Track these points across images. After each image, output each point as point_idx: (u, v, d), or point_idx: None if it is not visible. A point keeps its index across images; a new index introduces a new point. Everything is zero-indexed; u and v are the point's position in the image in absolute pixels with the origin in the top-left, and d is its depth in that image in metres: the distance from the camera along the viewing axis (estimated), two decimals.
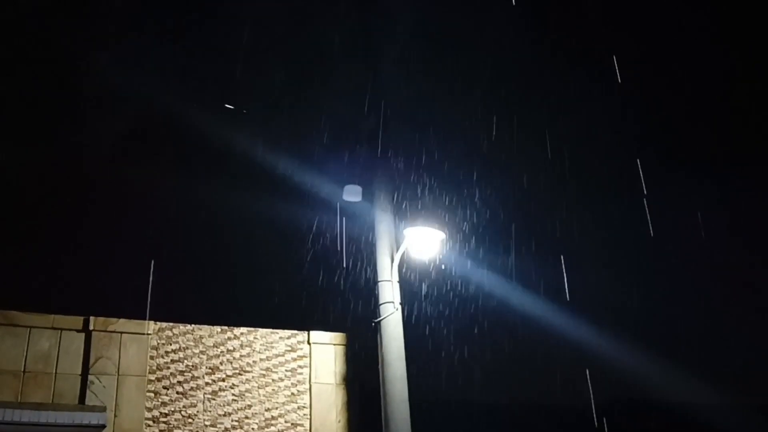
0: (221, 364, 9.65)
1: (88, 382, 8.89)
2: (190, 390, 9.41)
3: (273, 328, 10.07)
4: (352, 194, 9.43)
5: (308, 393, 9.84)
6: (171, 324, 9.61)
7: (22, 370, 8.73)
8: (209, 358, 9.63)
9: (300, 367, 9.96)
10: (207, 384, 9.51)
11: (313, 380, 9.90)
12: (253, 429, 9.49)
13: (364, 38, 9.37)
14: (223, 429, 9.39)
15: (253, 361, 9.80)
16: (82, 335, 9.10)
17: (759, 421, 12.88)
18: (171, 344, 9.52)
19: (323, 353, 10.07)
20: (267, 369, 9.83)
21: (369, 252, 8.81)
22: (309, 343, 10.08)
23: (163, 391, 9.29)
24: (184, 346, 9.57)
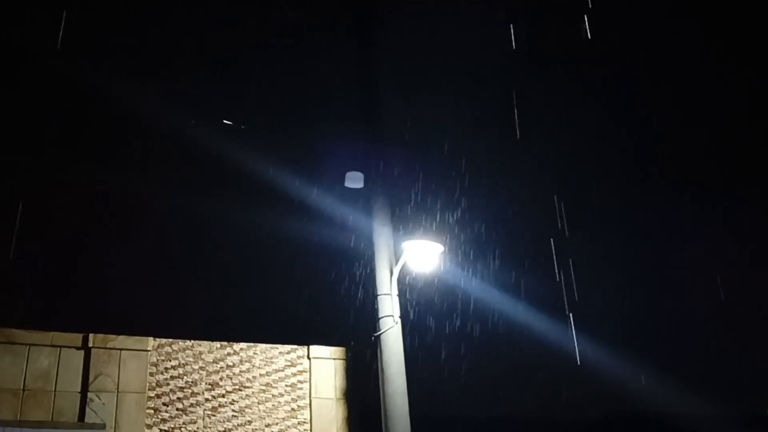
0: (221, 379, 9.63)
1: (88, 400, 8.85)
2: (189, 406, 9.39)
3: (272, 343, 10.06)
4: (353, 181, 9.46)
5: (308, 408, 9.82)
6: (170, 340, 9.60)
7: (22, 388, 8.70)
8: (209, 374, 9.61)
9: (300, 382, 9.95)
10: (207, 400, 9.49)
11: (313, 395, 9.89)
12: None
13: (362, 51, 9.44)
14: None
15: (253, 377, 9.79)
16: (82, 352, 9.07)
17: None
18: (170, 360, 9.50)
19: (323, 368, 10.07)
20: (267, 384, 9.81)
21: (368, 265, 8.84)
22: (309, 357, 10.08)
23: (163, 408, 9.26)
24: (183, 362, 9.55)
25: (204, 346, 9.73)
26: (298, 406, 9.83)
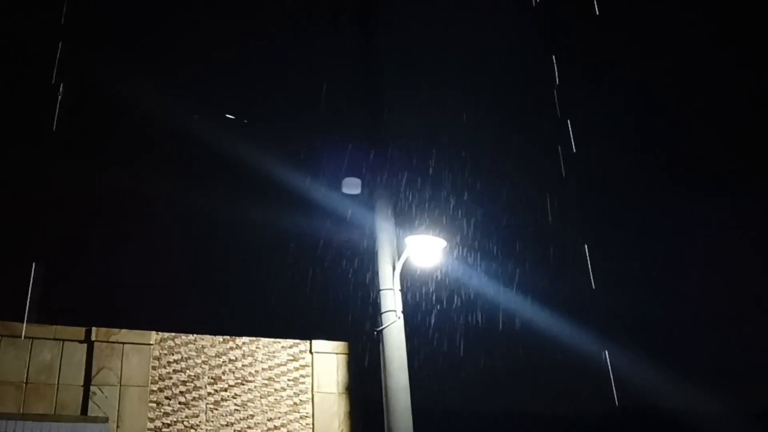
0: (223, 374, 9.64)
1: (91, 393, 8.87)
2: (192, 400, 9.40)
3: (275, 337, 10.07)
4: (350, 187, 9.46)
5: (311, 402, 9.83)
6: (173, 334, 9.61)
7: (24, 381, 8.72)
8: (211, 368, 9.62)
9: (302, 376, 9.96)
10: (209, 394, 9.50)
11: (315, 389, 9.89)
12: None
13: (364, 45, 9.42)
14: None
15: (256, 371, 9.80)
16: (84, 346, 9.10)
17: (758, 429, 12.88)
18: (173, 354, 9.51)
19: (325, 362, 10.07)
20: (269, 379, 9.82)
21: (371, 260, 8.83)
22: (311, 352, 10.08)
23: (166, 402, 9.28)
24: (186, 356, 9.56)
25: (207, 340, 9.73)
26: (301, 400, 9.84)
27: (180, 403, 9.33)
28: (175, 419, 9.24)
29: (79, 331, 9.14)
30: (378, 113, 9.16)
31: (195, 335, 9.71)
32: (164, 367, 9.39)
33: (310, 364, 10.02)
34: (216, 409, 9.45)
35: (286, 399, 9.79)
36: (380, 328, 8.33)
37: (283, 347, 10.04)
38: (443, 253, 8.58)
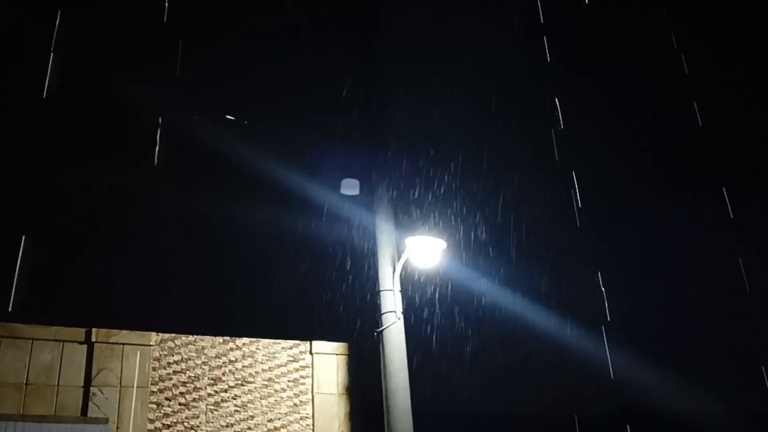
0: (223, 374, 9.65)
1: (91, 394, 8.87)
2: (192, 401, 9.40)
3: (275, 338, 10.07)
4: (349, 188, 9.46)
5: (311, 403, 9.83)
6: (173, 335, 9.61)
7: (24, 382, 8.73)
8: (211, 369, 9.62)
9: (302, 377, 9.96)
10: (209, 395, 9.50)
11: (315, 390, 9.89)
12: None
13: (364, 46, 9.42)
14: None
15: (256, 372, 9.80)
16: (84, 347, 9.10)
17: (758, 429, 12.89)
18: (173, 355, 9.51)
19: (325, 363, 10.07)
20: (269, 379, 9.82)
21: (371, 260, 8.83)
22: (311, 353, 10.09)
23: (166, 403, 9.28)
24: (186, 357, 9.56)
25: (207, 341, 9.73)
26: (301, 401, 9.84)
27: (180, 404, 9.33)
28: (175, 420, 9.24)
29: (79, 332, 9.14)
30: (378, 114, 9.15)
31: (195, 336, 9.71)
32: (164, 368, 9.40)
33: (311, 365, 10.02)
34: (216, 410, 9.45)
35: (286, 400, 9.79)
36: (380, 329, 8.33)
37: (283, 348, 10.04)
38: (443, 254, 8.58)
